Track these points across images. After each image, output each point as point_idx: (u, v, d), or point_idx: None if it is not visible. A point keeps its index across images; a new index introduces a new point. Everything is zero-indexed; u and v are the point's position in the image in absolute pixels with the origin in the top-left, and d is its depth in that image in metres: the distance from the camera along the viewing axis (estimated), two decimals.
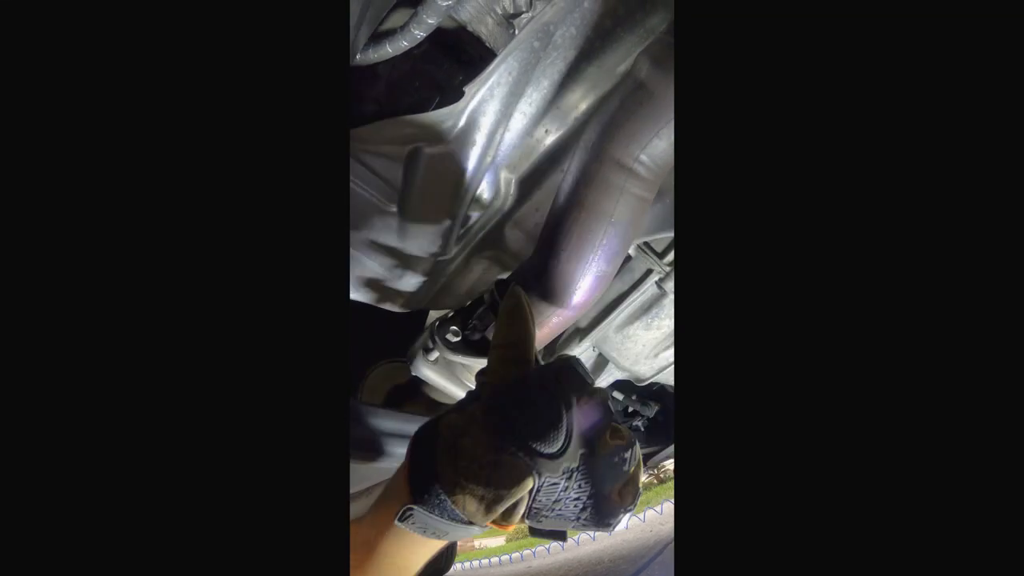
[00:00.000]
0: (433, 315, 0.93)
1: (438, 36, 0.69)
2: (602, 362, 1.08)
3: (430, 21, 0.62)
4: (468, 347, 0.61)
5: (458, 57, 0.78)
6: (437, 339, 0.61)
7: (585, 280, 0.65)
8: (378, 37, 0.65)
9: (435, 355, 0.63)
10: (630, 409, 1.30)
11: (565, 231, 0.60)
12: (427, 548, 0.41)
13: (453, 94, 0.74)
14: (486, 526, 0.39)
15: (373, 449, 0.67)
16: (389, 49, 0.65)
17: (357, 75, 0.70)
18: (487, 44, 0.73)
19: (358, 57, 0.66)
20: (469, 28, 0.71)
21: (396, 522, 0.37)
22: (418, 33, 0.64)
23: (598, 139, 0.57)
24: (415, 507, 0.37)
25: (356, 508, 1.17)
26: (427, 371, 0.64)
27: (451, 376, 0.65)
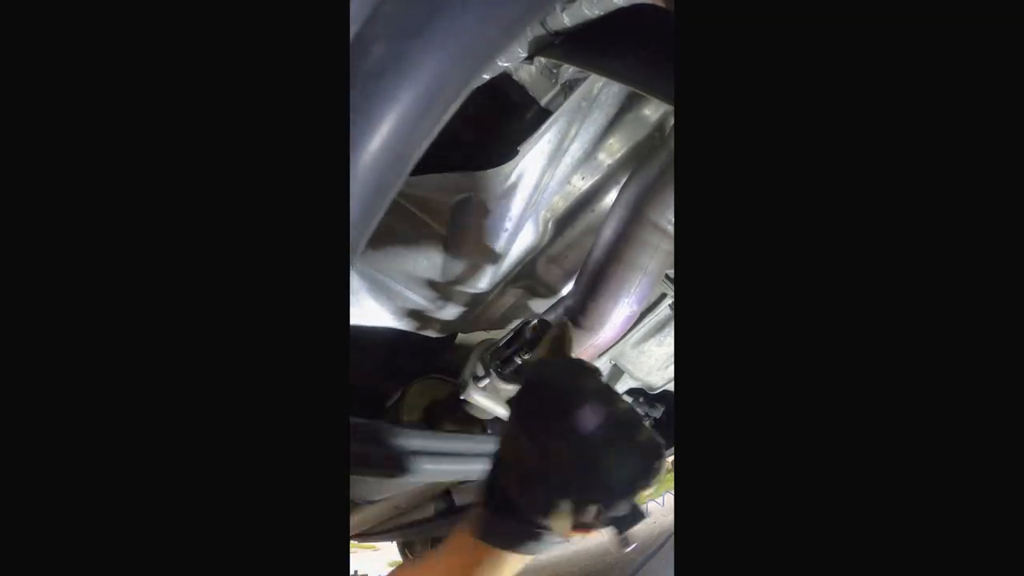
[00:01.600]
0: (461, 336, 1.00)
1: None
2: (617, 372, 1.16)
3: (484, 76, 0.67)
4: (518, 375, 0.69)
5: (494, 95, 0.82)
6: (492, 369, 0.68)
7: (617, 318, 0.72)
8: None
9: (486, 382, 0.71)
10: (638, 411, 1.41)
11: (605, 279, 0.67)
12: (511, 572, 0.43)
13: (487, 132, 0.79)
14: (567, 535, 0.41)
15: (399, 466, 0.74)
16: None
17: None
18: (529, 92, 0.77)
19: None
20: (514, 76, 0.75)
21: (499, 545, 0.40)
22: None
23: (637, 201, 0.63)
24: (511, 534, 0.40)
25: (375, 512, 1.26)
26: (477, 396, 0.72)
27: (498, 400, 0.73)
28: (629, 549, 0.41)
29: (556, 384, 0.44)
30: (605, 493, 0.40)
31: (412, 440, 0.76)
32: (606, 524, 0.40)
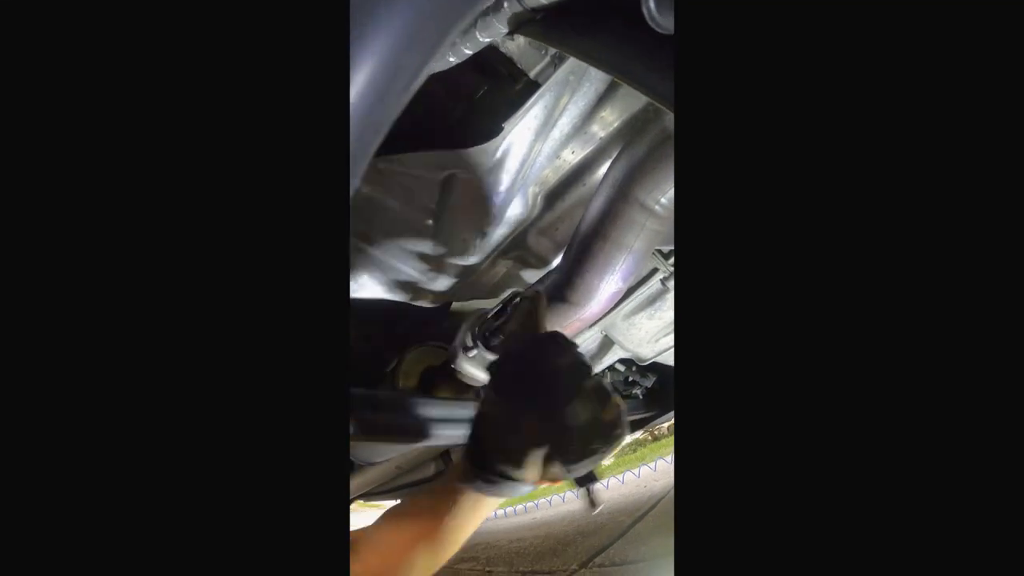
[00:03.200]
0: (457, 304, 1.02)
1: None
2: (608, 343, 1.19)
3: (466, 51, 0.65)
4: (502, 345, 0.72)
5: (482, 68, 0.81)
6: (479, 341, 0.71)
7: (603, 294, 0.73)
8: None
9: (474, 352, 0.73)
10: (630, 379, 1.45)
11: (591, 256, 0.68)
12: (486, 511, 0.51)
13: (475, 105, 0.78)
14: (535, 483, 0.48)
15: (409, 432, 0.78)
16: None
17: None
18: (518, 64, 0.76)
19: None
20: (501, 48, 0.74)
21: (474, 489, 0.47)
22: (452, 59, 0.67)
23: (625, 181, 0.63)
24: (484, 480, 0.47)
25: (377, 472, 1.32)
26: (467, 366, 0.75)
27: (485, 368, 0.76)
28: (596, 512, 0.50)
29: (530, 356, 0.50)
30: (569, 454, 0.46)
31: (421, 408, 0.79)
32: (567, 478, 0.48)
